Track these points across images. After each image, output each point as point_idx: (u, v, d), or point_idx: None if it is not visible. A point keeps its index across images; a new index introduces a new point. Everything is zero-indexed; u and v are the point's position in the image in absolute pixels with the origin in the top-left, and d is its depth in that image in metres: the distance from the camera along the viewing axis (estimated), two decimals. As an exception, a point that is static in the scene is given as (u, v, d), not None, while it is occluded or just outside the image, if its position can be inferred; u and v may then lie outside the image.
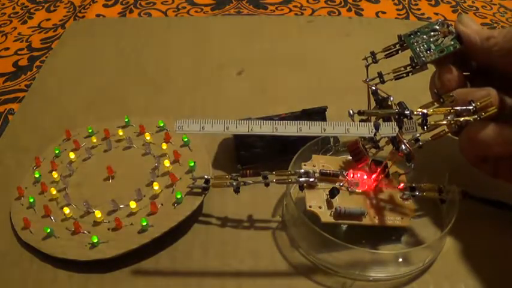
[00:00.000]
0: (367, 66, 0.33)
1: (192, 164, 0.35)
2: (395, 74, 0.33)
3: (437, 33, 0.32)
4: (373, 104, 0.33)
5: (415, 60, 0.32)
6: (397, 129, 0.28)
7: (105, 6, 0.61)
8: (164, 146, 0.37)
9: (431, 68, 0.33)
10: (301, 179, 0.31)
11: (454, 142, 0.32)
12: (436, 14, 0.59)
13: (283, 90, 0.46)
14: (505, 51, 0.29)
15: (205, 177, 0.33)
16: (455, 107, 0.29)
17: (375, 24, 0.56)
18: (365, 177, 0.32)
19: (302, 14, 0.59)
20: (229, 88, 0.46)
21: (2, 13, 0.60)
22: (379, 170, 0.31)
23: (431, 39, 0.32)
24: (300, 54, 0.51)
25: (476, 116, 0.28)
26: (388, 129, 0.30)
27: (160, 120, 0.39)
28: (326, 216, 0.30)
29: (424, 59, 0.31)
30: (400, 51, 0.33)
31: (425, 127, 0.28)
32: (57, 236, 0.32)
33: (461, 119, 0.29)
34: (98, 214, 0.32)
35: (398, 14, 0.59)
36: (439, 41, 0.31)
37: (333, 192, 0.30)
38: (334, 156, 0.35)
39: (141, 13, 0.59)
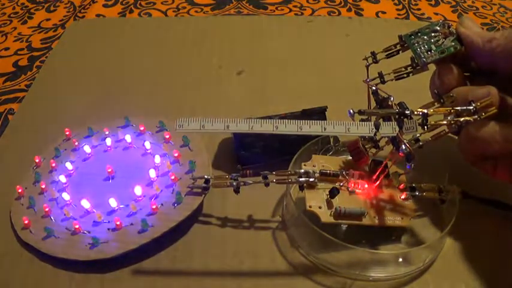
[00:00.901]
0: (367, 66, 0.33)
1: (192, 164, 0.35)
2: (396, 74, 0.33)
3: (438, 34, 0.32)
4: (373, 104, 0.33)
5: (416, 61, 0.32)
6: (397, 129, 0.28)
7: (105, 6, 0.61)
8: (164, 146, 0.37)
9: (432, 68, 0.33)
10: (301, 179, 0.31)
11: (454, 142, 0.32)
12: (436, 14, 0.59)
13: (283, 90, 0.46)
14: (507, 53, 0.29)
15: (205, 177, 0.33)
16: (455, 107, 0.29)
17: (375, 24, 0.56)
18: (365, 177, 0.32)
19: (302, 14, 0.59)
20: (229, 88, 0.46)
21: (2, 13, 0.60)
22: (379, 170, 0.31)
23: (432, 40, 0.32)
24: (300, 54, 0.51)
25: (476, 116, 0.28)
26: (389, 128, 0.30)
27: (161, 121, 0.39)
28: (326, 216, 0.30)
29: (424, 59, 0.31)
30: (400, 52, 0.33)
31: (425, 127, 0.28)
32: (57, 236, 0.32)
33: (462, 119, 0.29)
34: (98, 214, 0.32)
35: (398, 14, 0.59)
36: (440, 42, 0.31)
37: (333, 192, 0.30)
38: (334, 156, 0.35)
39: (141, 13, 0.59)
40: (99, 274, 0.31)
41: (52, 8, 0.61)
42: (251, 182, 0.31)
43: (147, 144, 0.37)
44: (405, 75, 0.33)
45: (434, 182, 0.33)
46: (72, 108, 0.44)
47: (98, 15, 0.59)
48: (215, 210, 0.35)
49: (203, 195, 0.33)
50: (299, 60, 0.50)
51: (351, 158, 0.33)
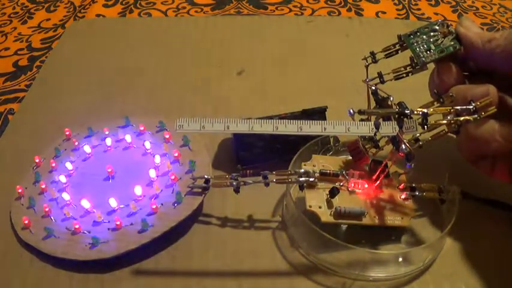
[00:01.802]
0: (366, 66, 0.33)
1: (192, 164, 0.35)
2: (395, 74, 0.33)
3: (437, 33, 0.32)
4: (373, 104, 0.33)
5: (415, 61, 0.32)
6: (397, 128, 0.28)
7: (105, 6, 0.61)
8: (164, 146, 0.37)
9: (431, 68, 0.33)
10: (301, 179, 0.31)
11: (454, 142, 0.32)
12: (436, 14, 0.59)
13: (283, 90, 0.46)
14: (507, 53, 0.29)
15: (205, 177, 0.33)
16: (455, 106, 0.29)
17: (375, 24, 0.56)
18: (365, 177, 0.32)
19: (302, 14, 0.59)
20: (229, 88, 0.46)
21: (2, 13, 0.60)
22: (379, 169, 0.31)
23: (431, 40, 0.32)
24: (300, 54, 0.51)
25: (476, 116, 0.28)
26: (389, 128, 0.30)
27: (160, 121, 0.39)
28: (326, 216, 0.30)
29: (424, 59, 0.31)
30: (399, 51, 0.33)
31: (425, 127, 0.28)
32: (57, 236, 0.32)
33: (461, 118, 0.29)
34: (98, 214, 0.32)
35: (398, 14, 0.59)
36: (439, 42, 0.31)
37: (333, 192, 0.30)
38: (334, 156, 0.35)
39: (141, 13, 0.59)
40: (99, 274, 0.31)
41: (52, 8, 0.61)
42: (251, 181, 0.31)
43: (147, 144, 0.37)
44: (404, 75, 0.33)
45: (434, 182, 0.33)
46: (72, 108, 0.44)
47: (98, 15, 0.59)
48: (215, 210, 0.35)
49: (203, 195, 0.33)
50: (299, 60, 0.50)
51: (351, 158, 0.33)
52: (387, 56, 0.33)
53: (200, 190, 0.33)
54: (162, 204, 0.33)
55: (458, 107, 0.29)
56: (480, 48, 0.30)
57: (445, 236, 0.31)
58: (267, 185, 0.31)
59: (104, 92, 0.46)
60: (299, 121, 0.31)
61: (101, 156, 0.37)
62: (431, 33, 0.32)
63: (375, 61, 0.33)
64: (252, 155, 0.36)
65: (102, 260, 0.30)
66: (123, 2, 0.61)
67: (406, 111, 0.28)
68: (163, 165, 0.35)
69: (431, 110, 0.28)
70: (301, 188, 0.31)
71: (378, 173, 0.32)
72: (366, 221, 0.31)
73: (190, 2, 0.61)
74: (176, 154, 0.36)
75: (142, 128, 0.39)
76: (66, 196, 0.34)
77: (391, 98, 0.31)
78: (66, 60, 0.50)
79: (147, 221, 0.31)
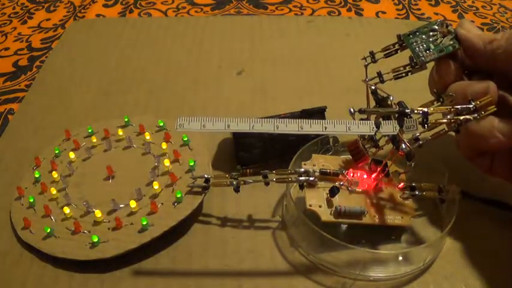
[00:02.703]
0: (366, 66, 0.33)
1: (192, 164, 0.35)
2: (395, 74, 0.33)
3: (436, 33, 0.32)
4: (372, 103, 0.33)
5: (415, 60, 0.32)
6: (397, 127, 0.28)
7: (105, 6, 0.61)
8: (164, 145, 0.37)
9: (430, 67, 0.33)
10: (301, 178, 0.31)
11: (454, 142, 0.32)
12: (436, 14, 0.59)
13: (283, 90, 0.46)
14: (508, 54, 0.29)
15: (205, 176, 0.33)
16: (455, 105, 0.29)
17: (375, 24, 0.56)
18: (365, 176, 0.32)
19: (302, 14, 0.59)
20: (229, 88, 0.46)
21: (2, 13, 0.60)
22: (379, 169, 0.31)
23: (431, 39, 0.32)
24: (300, 54, 0.51)
25: (476, 115, 0.28)
26: (389, 127, 0.30)
27: (160, 120, 0.39)
28: (326, 215, 0.30)
29: (423, 58, 0.31)
30: (399, 51, 0.33)
31: (425, 126, 0.28)
32: (57, 236, 0.32)
33: (461, 117, 0.29)
34: (98, 214, 0.32)
35: (398, 14, 0.59)
36: (438, 41, 0.31)
37: (333, 191, 0.30)
38: (334, 156, 0.35)
39: (141, 13, 0.59)
40: (99, 274, 0.31)
41: (52, 8, 0.61)
42: (251, 181, 0.31)
43: (147, 144, 0.37)
44: (404, 75, 0.33)
45: (434, 182, 0.33)
46: (72, 108, 0.44)
47: (98, 15, 0.59)
48: (215, 209, 0.35)
49: (203, 195, 0.33)
50: (299, 60, 0.50)
51: (351, 157, 0.33)
52: (386, 56, 0.33)
53: (200, 190, 0.33)
54: (162, 203, 0.33)
55: (458, 106, 0.29)
56: (481, 50, 0.30)
57: (445, 236, 0.31)
58: (267, 184, 0.31)
59: (103, 91, 0.46)
60: (299, 120, 0.31)
61: (101, 156, 0.37)
62: (431, 33, 0.32)
63: (374, 61, 0.33)
64: (251, 156, 0.36)
65: (102, 259, 0.30)
66: (123, 2, 0.62)
67: (407, 110, 0.28)
68: (163, 165, 0.35)
69: (432, 109, 0.28)
70: (301, 187, 0.31)
71: (377, 172, 0.32)
72: (366, 220, 0.31)
73: (190, 2, 0.61)
74: (176, 154, 0.36)
75: (142, 128, 0.39)
76: (66, 196, 0.34)
77: (391, 98, 0.31)
78: (66, 60, 0.50)
79: (147, 221, 0.31)
